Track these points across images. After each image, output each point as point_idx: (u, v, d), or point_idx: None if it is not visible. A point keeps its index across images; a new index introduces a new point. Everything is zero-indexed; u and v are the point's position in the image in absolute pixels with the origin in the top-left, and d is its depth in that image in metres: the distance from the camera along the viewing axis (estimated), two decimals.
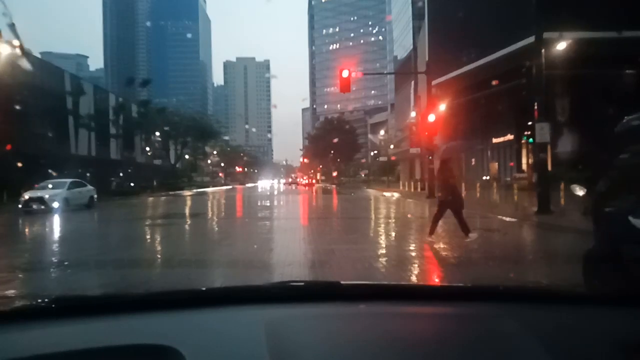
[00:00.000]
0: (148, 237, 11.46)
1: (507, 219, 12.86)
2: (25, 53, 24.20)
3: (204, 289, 1.55)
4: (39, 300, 1.32)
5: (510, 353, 1.10)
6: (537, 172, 13.38)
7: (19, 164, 27.91)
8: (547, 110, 13.36)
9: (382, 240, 9.67)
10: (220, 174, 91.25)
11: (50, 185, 20.23)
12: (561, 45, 14.22)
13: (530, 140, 15.40)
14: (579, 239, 9.18)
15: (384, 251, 8.09)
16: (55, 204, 18.64)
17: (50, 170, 25.52)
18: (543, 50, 12.88)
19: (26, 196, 18.99)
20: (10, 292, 5.31)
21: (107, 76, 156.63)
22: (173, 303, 1.34)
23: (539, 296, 1.50)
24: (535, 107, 12.89)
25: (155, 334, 1.13)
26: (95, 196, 21.97)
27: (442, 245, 8.23)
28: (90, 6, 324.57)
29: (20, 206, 18.63)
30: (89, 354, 1.05)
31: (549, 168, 13.76)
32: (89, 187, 21.82)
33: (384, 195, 30.22)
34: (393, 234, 10.86)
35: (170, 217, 16.69)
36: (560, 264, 6.78)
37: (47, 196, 18.78)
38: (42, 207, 18.42)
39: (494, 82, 26.50)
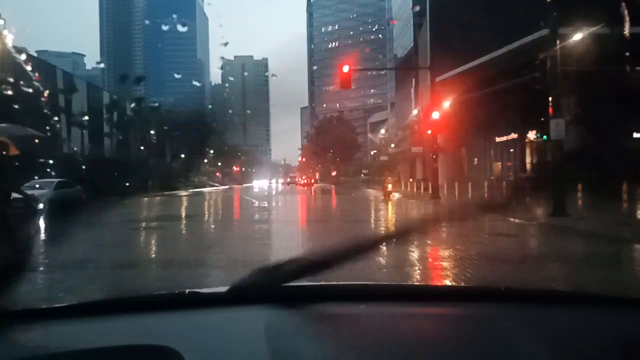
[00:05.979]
0: (136, 241, 10.70)
1: (521, 221, 12.03)
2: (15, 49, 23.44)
3: (203, 289, 1.54)
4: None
5: (511, 353, 1.08)
6: (552, 172, 12.62)
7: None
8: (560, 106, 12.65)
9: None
10: (218, 174, 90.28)
11: (36, 186, 19.28)
12: (576, 37, 13.41)
13: (544, 137, 14.60)
14: (603, 244, 8.37)
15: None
16: (40, 205, 17.66)
17: (49, 170, 24.41)
18: (558, 42, 12.08)
19: None
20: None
21: (103, 75, 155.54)
22: (173, 303, 1.32)
23: (540, 297, 1.48)
24: (550, 103, 12.12)
25: (155, 334, 1.13)
26: (85, 197, 21.07)
27: (468, 255, 7.37)
28: (87, 5, 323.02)
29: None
30: (90, 354, 1.05)
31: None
32: (78, 187, 20.92)
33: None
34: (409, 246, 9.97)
35: (161, 220, 16.03)
36: (594, 271, 6.28)
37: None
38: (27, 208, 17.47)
39: (498, 79, 25.69)
